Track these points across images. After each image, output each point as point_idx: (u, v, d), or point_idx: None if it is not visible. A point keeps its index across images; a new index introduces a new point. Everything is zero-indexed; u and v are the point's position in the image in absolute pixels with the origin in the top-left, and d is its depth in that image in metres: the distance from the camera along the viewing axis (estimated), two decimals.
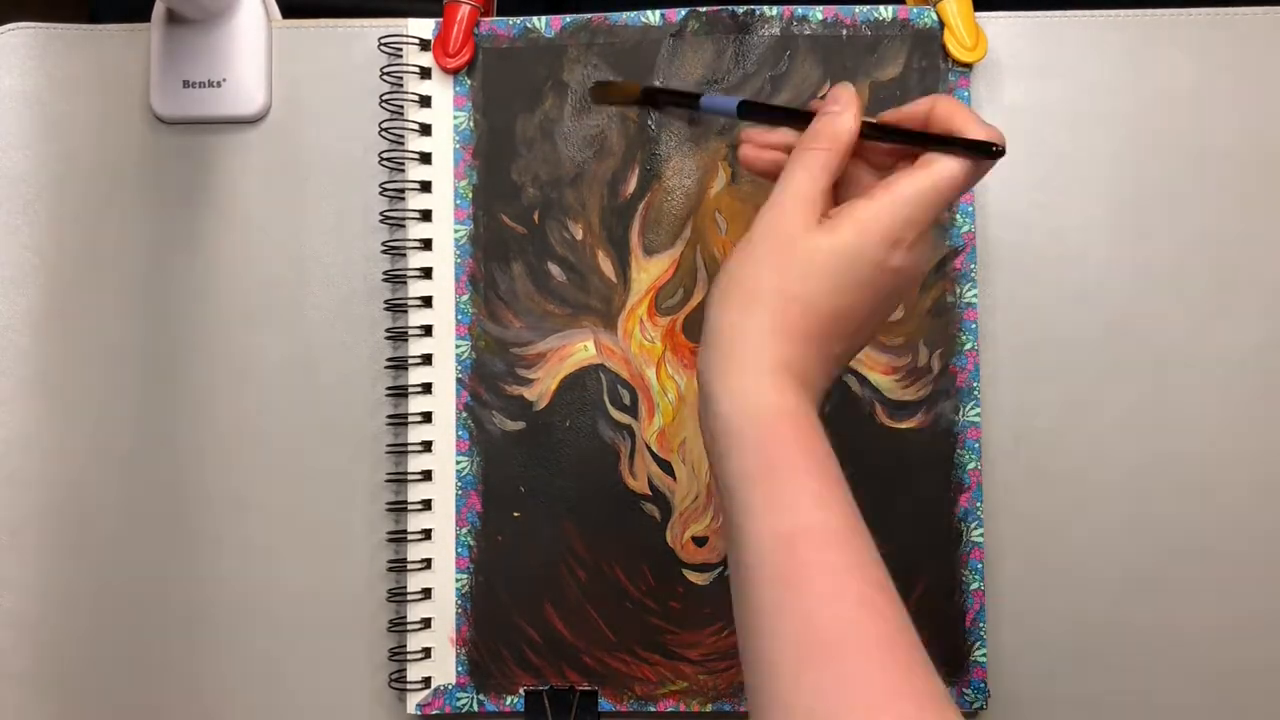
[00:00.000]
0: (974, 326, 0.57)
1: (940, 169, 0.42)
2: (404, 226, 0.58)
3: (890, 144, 0.45)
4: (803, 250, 0.42)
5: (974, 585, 0.56)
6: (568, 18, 0.58)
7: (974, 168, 0.43)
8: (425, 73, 0.58)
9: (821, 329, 0.43)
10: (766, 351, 0.42)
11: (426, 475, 0.57)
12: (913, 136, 0.44)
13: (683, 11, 0.58)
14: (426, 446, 0.57)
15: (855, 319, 0.43)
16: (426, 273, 0.58)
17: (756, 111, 0.49)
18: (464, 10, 0.58)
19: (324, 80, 0.60)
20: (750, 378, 0.42)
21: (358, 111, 0.59)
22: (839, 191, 0.45)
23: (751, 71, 0.57)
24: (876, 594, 0.40)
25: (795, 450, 0.41)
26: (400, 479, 0.57)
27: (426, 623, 0.57)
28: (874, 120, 0.45)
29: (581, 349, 0.57)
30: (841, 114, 0.44)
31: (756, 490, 0.41)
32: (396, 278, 0.58)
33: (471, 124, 0.58)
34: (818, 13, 0.58)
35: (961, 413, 0.56)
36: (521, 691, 0.56)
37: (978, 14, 0.58)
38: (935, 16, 0.57)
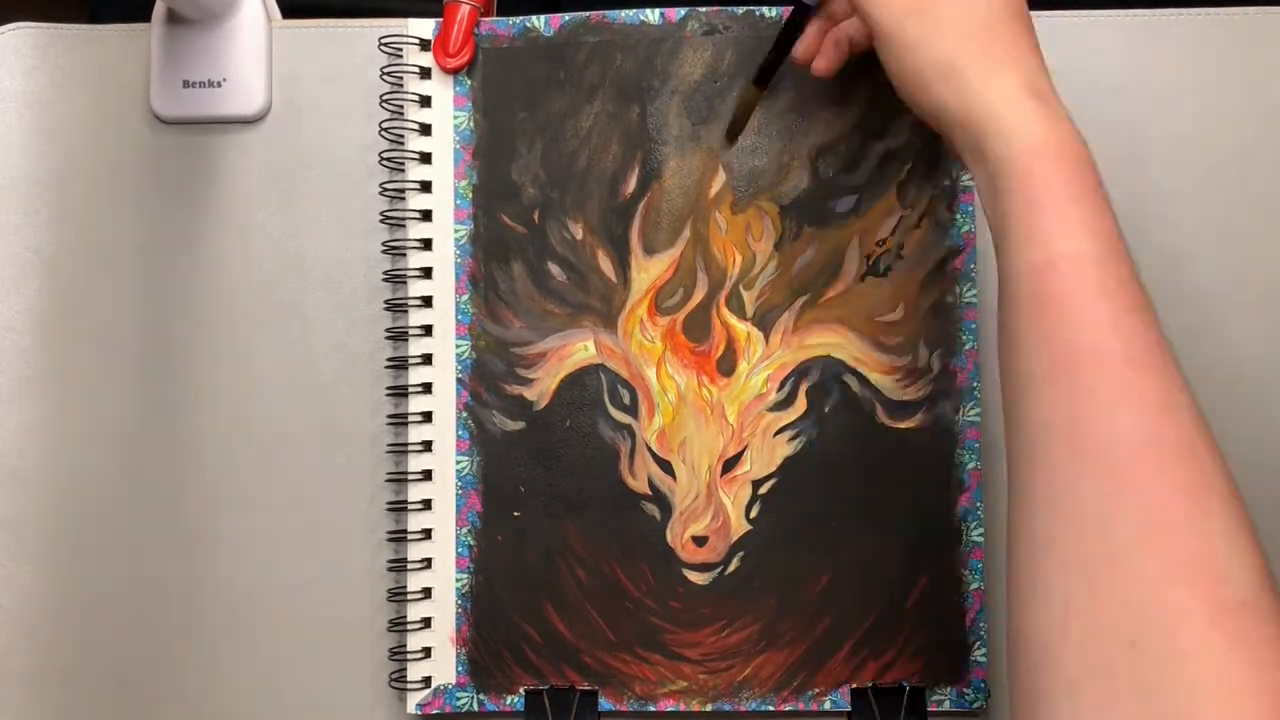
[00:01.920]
0: (974, 326, 0.57)
1: None
2: (404, 226, 0.58)
3: None
4: None
5: (974, 585, 0.56)
6: (567, 16, 0.58)
7: None
8: (425, 73, 0.59)
9: (1024, 33, 0.45)
10: (1009, 88, 0.43)
11: (426, 475, 0.57)
12: None
13: (683, 11, 0.58)
14: (426, 446, 0.57)
15: (1027, 10, 0.45)
16: (426, 273, 0.58)
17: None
18: (464, 10, 0.58)
19: (324, 80, 0.60)
20: (1007, 120, 0.43)
21: (358, 111, 0.59)
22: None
23: (751, 71, 0.57)
24: (1125, 316, 0.40)
25: (1057, 185, 0.42)
26: (400, 479, 0.57)
27: (426, 622, 0.57)
28: None
29: (581, 349, 0.57)
30: None
31: (1018, 228, 0.42)
32: (396, 278, 0.58)
33: (471, 124, 0.58)
34: None
35: (961, 413, 0.56)
36: (521, 691, 0.56)
37: None
38: None
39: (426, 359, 0.57)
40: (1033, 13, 0.59)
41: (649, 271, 0.57)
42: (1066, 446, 0.39)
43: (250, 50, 0.59)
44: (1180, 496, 0.37)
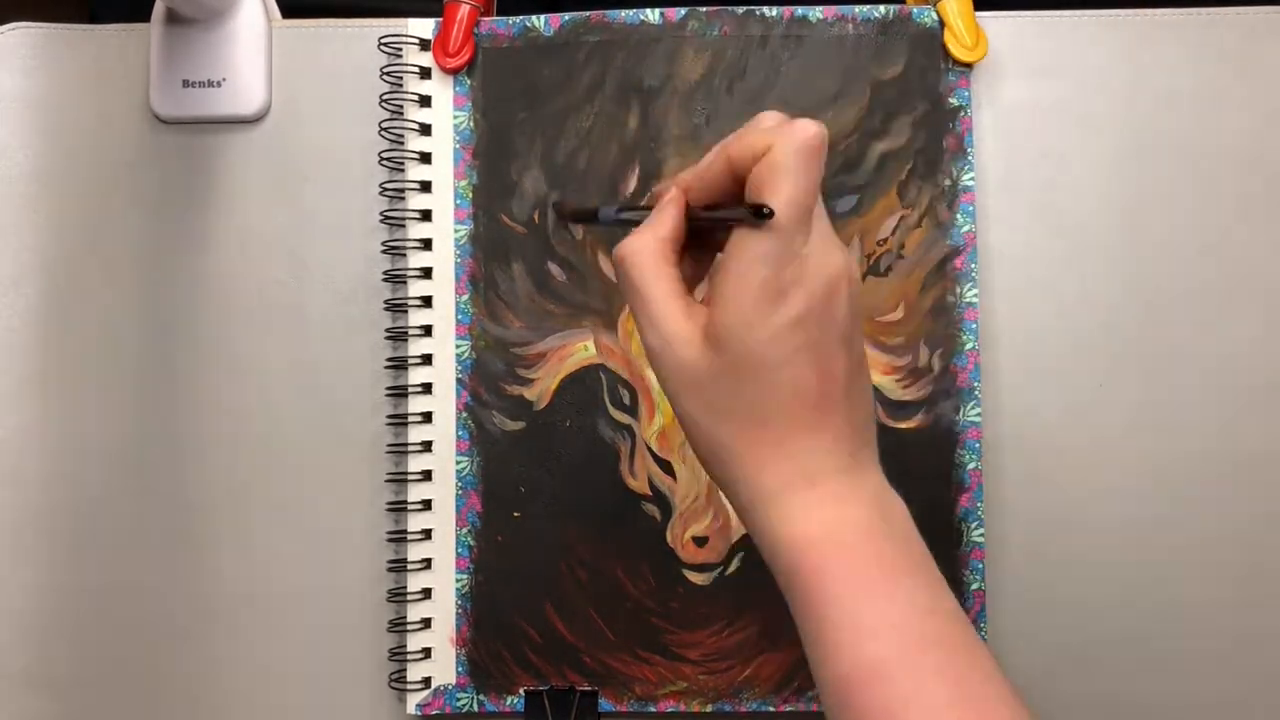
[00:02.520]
0: (974, 326, 0.57)
1: (740, 239, 0.38)
2: (404, 226, 0.58)
3: (702, 226, 0.42)
4: (703, 378, 0.39)
5: (974, 585, 0.56)
6: (567, 16, 0.58)
7: (762, 229, 0.38)
8: (425, 73, 0.58)
9: (793, 423, 0.39)
10: (760, 490, 0.39)
11: (426, 475, 0.57)
12: (706, 218, 0.41)
13: (683, 11, 0.58)
14: (426, 446, 0.57)
15: (812, 388, 0.39)
16: (426, 273, 0.58)
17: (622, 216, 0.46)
18: (464, 10, 0.58)
19: (324, 80, 0.60)
20: (768, 520, 0.39)
21: (358, 111, 0.59)
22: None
23: (751, 71, 0.57)
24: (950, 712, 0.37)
25: (834, 580, 0.38)
26: (400, 479, 0.57)
27: (426, 623, 0.57)
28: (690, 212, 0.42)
29: (582, 349, 0.57)
30: (647, 223, 0.41)
31: (810, 635, 0.39)
32: (396, 278, 0.58)
33: (471, 124, 0.58)
34: (818, 12, 0.58)
35: (961, 413, 0.56)
36: (521, 692, 0.56)
37: (978, 13, 0.58)
38: (935, 16, 0.57)
39: (426, 359, 0.57)
40: (1034, 12, 0.59)
41: None
42: None
43: (250, 50, 0.59)
44: None
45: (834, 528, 0.39)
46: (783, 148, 0.38)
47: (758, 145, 0.39)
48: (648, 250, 0.41)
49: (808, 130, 0.38)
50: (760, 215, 0.37)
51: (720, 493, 0.56)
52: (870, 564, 0.38)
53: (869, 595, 0.38)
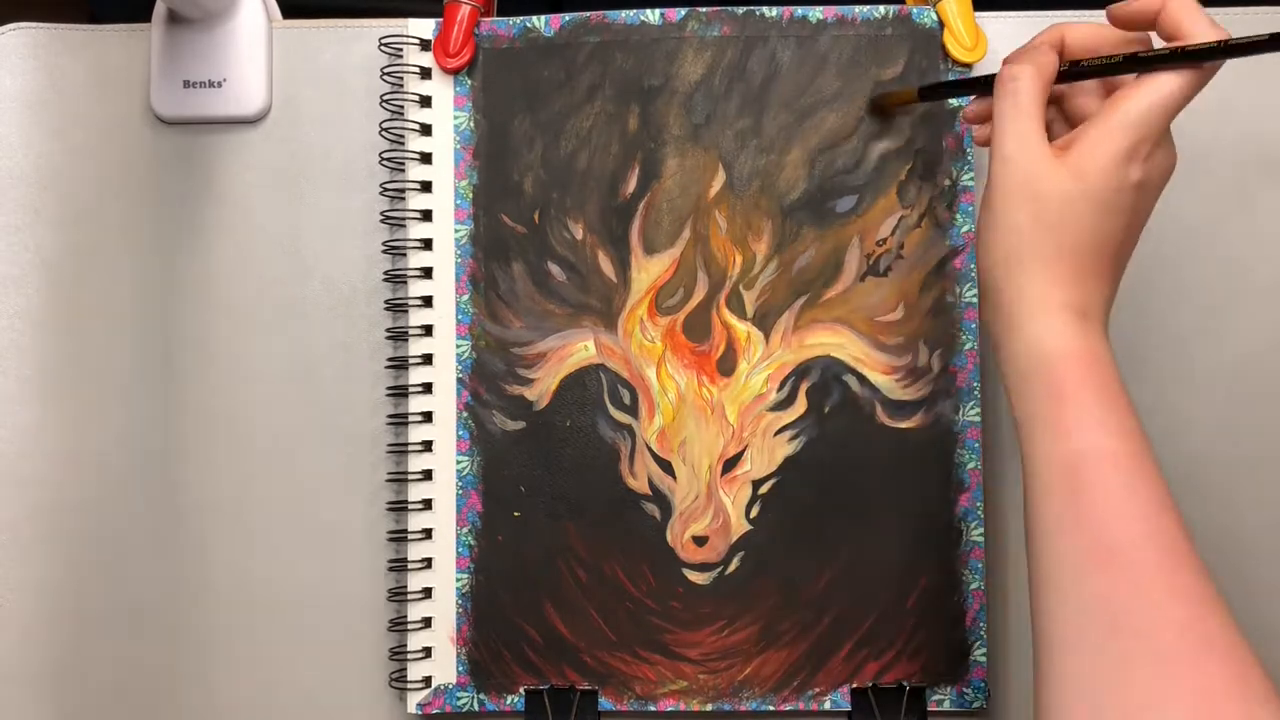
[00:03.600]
0: (974, 326, 0.57)
1: (1163, 85, 0.43)
2: (404, 226, 0.58)
3: (1100, 77, 0.47)
4: (1048, 194, 0.44)
5: (974, 585, 0.56)
6: (567, 16, 0.58)
7: (1199, 75, 0.44)
8: (425, 73, 0.59)
9: (1089, 264, 0.44)
10: (1043, 303, 0.44)
11: (427, 475, 0.57)
12: (1118, 67, 0.45)
13: (682, 11, 0.58)
14: (427, 446, 0.57)
15: (1115, 241, 0.45)
16: (427, 272, 0.58)
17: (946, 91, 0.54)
18: (464, 10, 0.58)
19: (324, 80, 0.60)
20: (1033, 328, 0.44)
21: (358, 111, 0.59)
22: (1073, 122, 0.48)
23: (751, 71, 0.57)
24: (1156, 513, 0.41)
25: (1081, 384, 0.43)
26: (400, 479, 0.57)
27: (427, 622, 0.57)
28: (1082, 62, 0.47)
29: (582, 349, 0.57)
30: (1026, 50, 0.47)
31: (1044, 422, 0.43)
32: (397, 278, 0.58)
33: (472, 124, 0.58)
34: (818, 12, 0.58)
35: (961, 412, 0.56)
36: (522, 691, 0.56)
37: (978, 14, 0.58)
38: (935, 16, 0.58)
39: (427, 359, 0.58)
40: (1034, 12, 0.59)
41: (649, 271, 0.57)
42: (1109, 632, 0.40)
43: (250, 50, 0.59)
44: (1230, 687, 0.38)
45: (1097, 351, 0.44)
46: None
47: (1150, 5, 0.45)
48: (1037, 75, 0.46)
49: None
50: (1212, 55, 0.43)
51: (720, 490, 0.56)
52: (1116, 386, 0.44)
53: (1113, 404, 0.43)
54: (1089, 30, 0.47)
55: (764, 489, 0.56)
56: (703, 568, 0.56)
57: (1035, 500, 0.43)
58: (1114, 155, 0.43)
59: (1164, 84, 0.43)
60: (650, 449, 0.57)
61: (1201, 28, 0.44)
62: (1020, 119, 0.45)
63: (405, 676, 0.57)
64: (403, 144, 0.58)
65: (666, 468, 0.57)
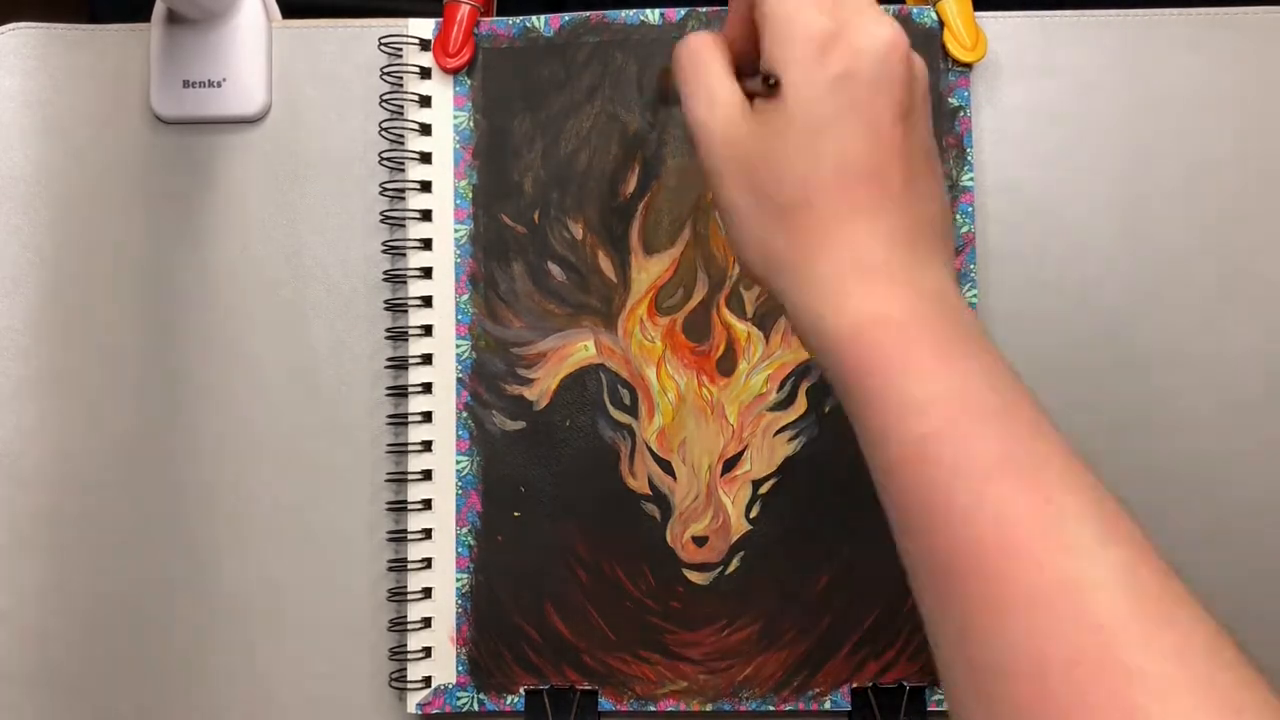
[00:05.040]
0: None
1: None
2: (404, 226, 0.58)
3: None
4: (753, 151, 0.36)
5: None
6: (567, 16, 0.58)
7: None
8: (425, 73, 0.59)
9: (844, 203, 0.35)
10: (812, 279, 0.36)
11: (426, 475, 0.57)
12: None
13: (682, 11, 0.58)
14: (426, 446, 0.57)
15: (867, 161, 0.35)
16: (426, 272, 0.58)
17: None
18: (464, 10, 0.58)
19: (324, 80, 0.60)
20: (819, 315, 0.36)
21: (358, 111, 0.59)
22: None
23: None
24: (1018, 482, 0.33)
25: (882, 361, 0.35)
26: (400, 479, 0.57)
27: (427, 622, 0.57)
28: None
29: (581, 349, 0.57)
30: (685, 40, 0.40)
31: (860, 429, 0.36)
32: (396, 277, 0.58)
33: (471, 124, 0.58)
34: None
35: None
36: (522, 691, 0.56)
37: (978, 14, 0.58)
38: (935, 16, 0.58)
39: (426, 359, 0.57)
40: (1034, 12, 0.59)
41: (649, 271, 0.57)
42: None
43: (250, 50, 0.59)
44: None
45: (885, 312, 0.35)
46: None
47: None
48: (707, 38, 0.39)
49: None
50: None
51: (720, 490, 0.56)
52: (922, 344, 0.35)
53: (917, 373, 0.34)
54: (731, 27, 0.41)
55: (764, 489, 0.56)
56: (703, 568, 0.56)
57: (889, 503, 0.37)
58: (789, 61, 0.35)
59: None
60: (650, 449, 0.57)
61: None
62: (695, 74, 0.38)
63: (405, 676, 0.57)
64: (402, 144, 0.58)
65: (666, 468, 0.57)
